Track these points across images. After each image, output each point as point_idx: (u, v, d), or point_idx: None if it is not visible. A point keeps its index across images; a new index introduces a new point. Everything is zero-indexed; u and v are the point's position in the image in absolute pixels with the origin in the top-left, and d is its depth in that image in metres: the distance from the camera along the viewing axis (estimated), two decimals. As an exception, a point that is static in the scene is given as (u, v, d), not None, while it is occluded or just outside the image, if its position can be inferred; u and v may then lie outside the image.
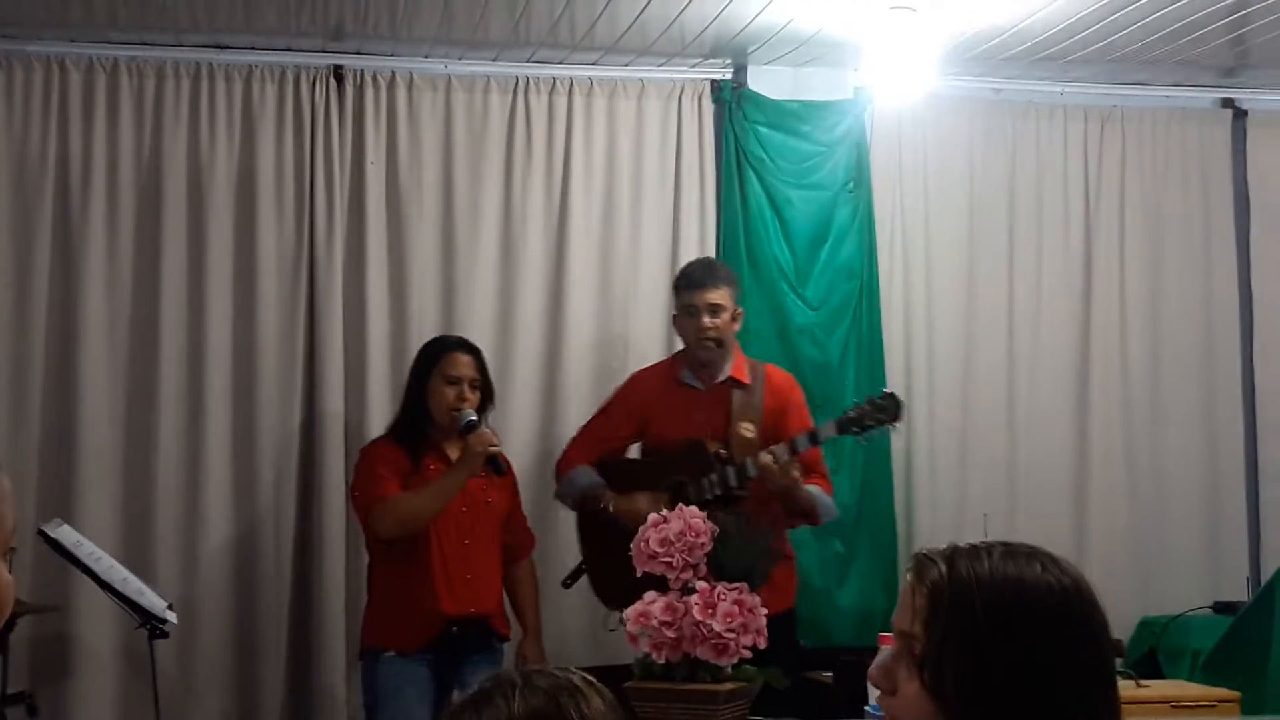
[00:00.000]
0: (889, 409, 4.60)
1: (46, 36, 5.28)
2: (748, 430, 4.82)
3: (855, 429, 4.63)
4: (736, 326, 4.98)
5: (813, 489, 4.77)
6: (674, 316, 5.07)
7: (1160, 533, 6.01)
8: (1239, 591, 5.81)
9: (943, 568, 1.84)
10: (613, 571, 4.88)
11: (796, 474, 4.65)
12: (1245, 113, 6.23)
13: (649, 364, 5.48)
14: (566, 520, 5.34)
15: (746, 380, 4.93)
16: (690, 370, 4.97)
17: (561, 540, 5.43)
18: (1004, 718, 1.79)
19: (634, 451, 5.19)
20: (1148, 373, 6.08)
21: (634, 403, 5.06)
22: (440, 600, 4.58)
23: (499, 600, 4.79)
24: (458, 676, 4.61)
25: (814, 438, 4.73)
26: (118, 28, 5.22)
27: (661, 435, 4.96)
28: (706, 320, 4.87)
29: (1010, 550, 1.86)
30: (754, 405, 4.88)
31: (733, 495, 4.71)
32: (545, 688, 1.72)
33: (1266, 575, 5.75)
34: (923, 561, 1.87)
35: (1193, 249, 6.15)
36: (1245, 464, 6.14)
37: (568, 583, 5.10)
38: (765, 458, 4.60)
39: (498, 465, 4.61)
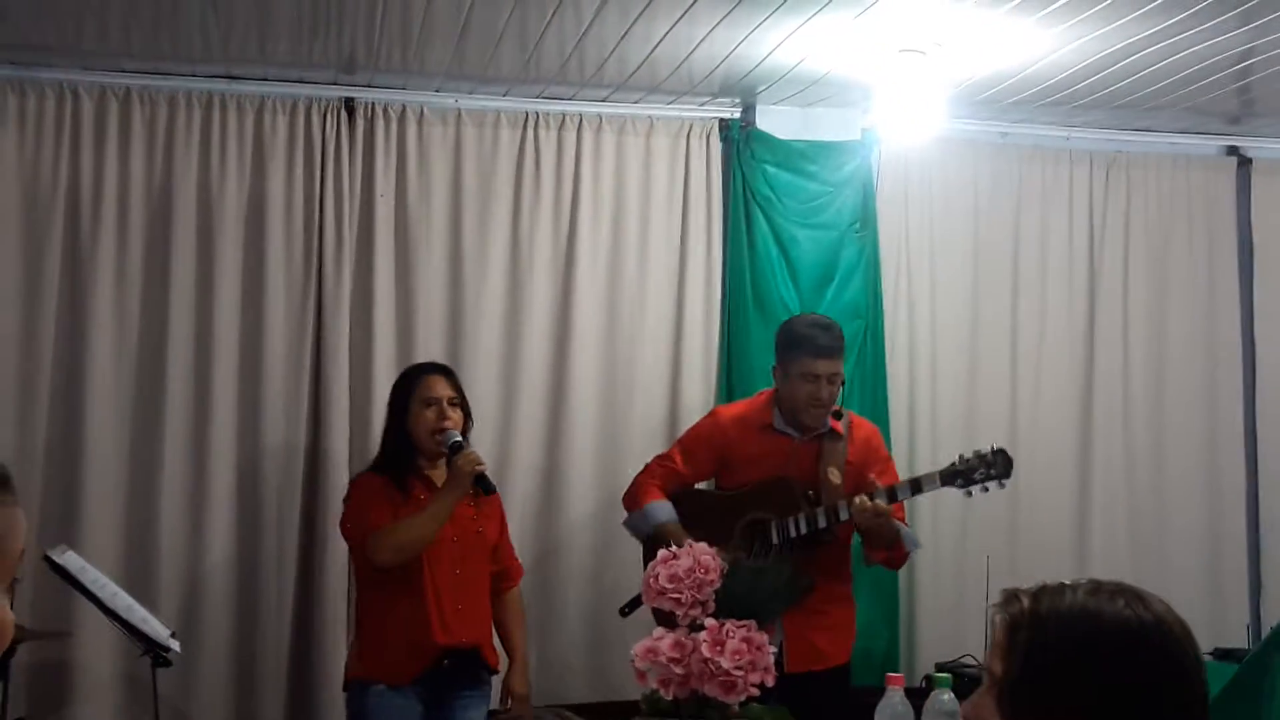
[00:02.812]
0: (998, 465, 4.50)
1: (60, 64, 5.31)
2: (835, 476, 4.75)
3: (960, 482, 4.54)
4: None
5: (897, 523, 4.69)
6: (778, 370, 4.85)
7: (1161, 578, 5.99)
8: (1240, 638, 5.81)
9: (1025, 603, 1.88)
10: None
11: (887, 510, 4.58)
12: (1250, 160, 6.28)
13: (655, 395, 5.56)
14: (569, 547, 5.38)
15: (841, 431, 4.85)
16: (785, 419, 4.85)
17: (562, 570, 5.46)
18: None
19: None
20: (1150, 417, 6.11)
21: (719, 442, 4.95)
22: (433, 631, 4.54)
23: (489, 630, 4.75)
24: (447, 710, 4.60)
25: (916, 488, 4.65)
26: (131, 56, 5.24)
27: (743, 477, 4.86)
28: (825, 390, 4.75)
29: (1097, 587, 1.88)
30: (840, 451, 4.81)
31: (819, 537, 4.68)
32: None
33: (1267, 622, 5.77)
34: (1008, 598, 1.91)
35: (1196, 295, 6.18)
36: (1247, 510, 6.17)
37: (626, 611, 4.96)
38: (864, 501, 4.52)
39: (486, 484, 4.55)
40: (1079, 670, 1.81)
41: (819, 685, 4.55)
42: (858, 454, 4.84)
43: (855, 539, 4.85)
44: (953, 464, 4.60)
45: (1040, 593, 1.88)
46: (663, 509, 4.88)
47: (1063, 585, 1.88)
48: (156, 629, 4.55)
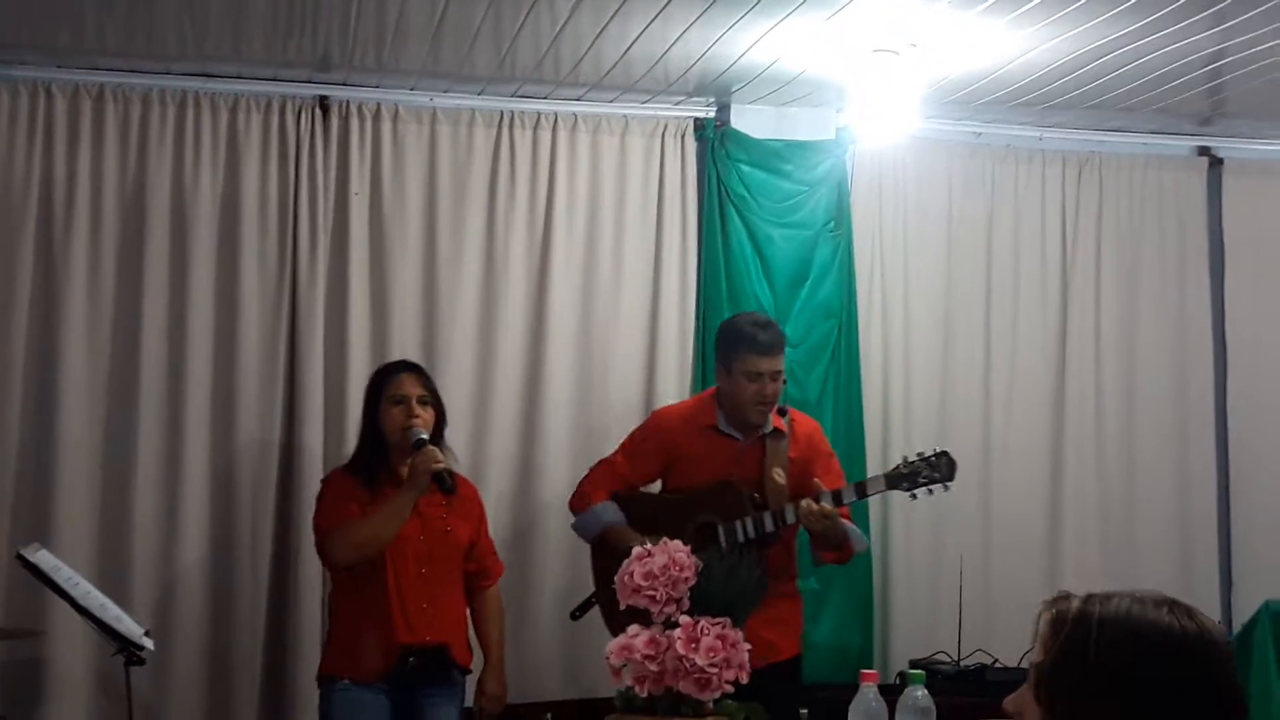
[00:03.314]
0: (941, 468, 4.57)
1: (33, 61, 5.29)
2: (779, 476, 4.76)
3: (906, 485, 4.59)
4: None
5: (844, 523, 4.72)
6: (720, 369, 4.88)
7: (1132, 577, 6.02)
8: (1210, 636, 5.84)
9: (1074, 603, 1.96)
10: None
11: (835, 513, 4.62)
12: (1221, 161, 6.31)
13: (630, 394, 5.56)
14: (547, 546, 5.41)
15: (784, 430, 4.86)
16: (728, 419, 4.87)
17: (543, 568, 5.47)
18: None
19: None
20: (1122, 415, 6.13)
21: (663, 443, 4.95)
22: (396, 630, 4.55)
23: (459, 629, 4.74)
24: (416, 707, 4.61)
25: (861, 491, 4.70)
26: (105, 54, 5.23)
27: (687, 479, 4.88)
28: (770, 387, 4.78)
29: (1144, 595, 1.95)
30: (783, 450, 4.83)
31: (766, 540, 4.70)
32: None
33: (1238, 621, 5.79)
34: (1059, 597, 1.98)
35: (1168, 294, 6.22)
36: (1218, 509, 6.20)
37: (576, 614, 5.02)
38: (810, 505, 4.55)
39: (444, 483, 4.53)
40: (1114, 668, 1.87)
41: (773, 677, 4.56)
42: (800, 451, 4.86)
43: (802, 535, 4.86)
44: (897, 467, 4.66)
45: (1090, 596, 1.96)
46: (610, 510, 4.92)
47: (1110, 593, 1.96)
48: (130, 627, 4.54)
